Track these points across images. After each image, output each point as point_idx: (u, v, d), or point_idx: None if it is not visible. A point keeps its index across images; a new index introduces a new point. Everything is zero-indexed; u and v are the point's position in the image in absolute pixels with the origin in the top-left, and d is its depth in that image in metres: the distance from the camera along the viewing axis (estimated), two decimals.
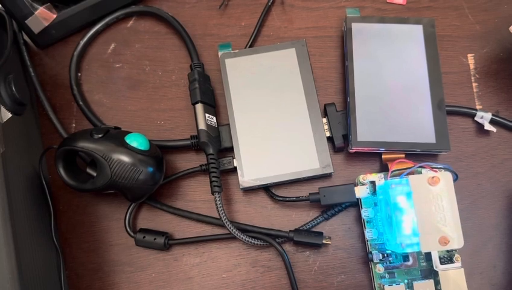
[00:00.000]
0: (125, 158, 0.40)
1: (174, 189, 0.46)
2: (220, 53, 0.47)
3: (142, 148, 0.42)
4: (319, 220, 0.44)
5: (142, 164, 0.41)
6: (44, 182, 0.45)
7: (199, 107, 0.45)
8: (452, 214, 0.35)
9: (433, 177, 0.34)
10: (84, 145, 0.41)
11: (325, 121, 0.45)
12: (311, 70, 0.46)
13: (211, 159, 0.43)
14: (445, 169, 0.39)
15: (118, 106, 0.48)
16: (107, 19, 0.50)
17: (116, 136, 0.42)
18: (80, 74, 0.49)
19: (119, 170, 0.40)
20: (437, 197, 0.35)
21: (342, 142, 0.45)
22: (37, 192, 0.44)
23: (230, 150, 0.45)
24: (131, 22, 0.51)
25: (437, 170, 0.39)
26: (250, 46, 0.49)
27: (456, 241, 0.34)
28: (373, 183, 0.42)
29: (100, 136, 0.41)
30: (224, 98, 0.46)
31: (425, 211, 0.35)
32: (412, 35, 0.46)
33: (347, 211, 0.45)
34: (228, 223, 0.42)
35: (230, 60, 0.47)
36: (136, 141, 0.42)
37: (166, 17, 0.49)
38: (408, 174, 0.40)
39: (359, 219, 0.43)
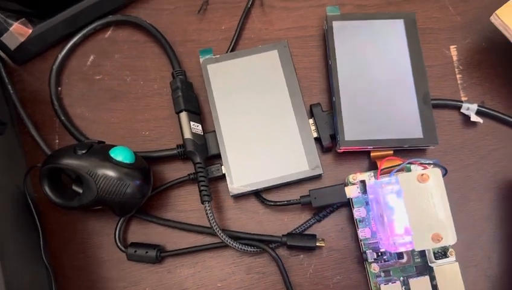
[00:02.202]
0: (110, 173, 0.40)
1: (163, 200, 0.46)
2: (201, 59, 0.46)
3: (127, 161, 0.41)
4: (311, 223, 0.44)
5: (129, 177, 0.40)
6: (30, 201, 0.44)
7: (183, 115, 0.44)
8: (444, 210, 0.35)
9: (422, 175, 0.34)
10: (68, 162, 0.40)
11: (312, 122, 0.45)
12: (294, 71, 0.46)
13: (199, 168, 0.42)
14: (434, 164, 0.39)
15: (101, 118, 0.48)
16: (84, 31, 0.49)
17: (100, 151, 0.41)
18: (60, 88, 0.48)
19: (105, 186, 0.40)
20: (427, 194, 0.35)
21: (329, 142, 0.44)
22: (23, 212, 0.43)
23: (218, 156, 0.45)
24: (109, 32, 0.50)
25: (426, 165, 0.39)
26: (231, 50, 0.48)
27: (449, 238, 0.34)
28: (363, 182, 0.42)
29: (84, 152, 0.41)
30: (208, 104, 0.45)
31: (416, 208, 0.35)
32: (394, 30, 0.46)
33: (339, 211, 0.44)
34: (220, 231, 0.41)
35: (212, 65, 0.46)
36: (121, 154, 0.41)
37: (145, 25, 0.48)
38: (398, 171, 0.40)
39: (351, 219, 0.43)
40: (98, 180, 0.40)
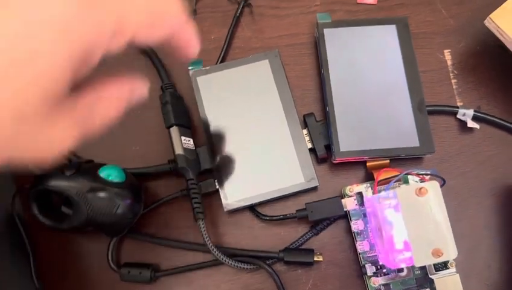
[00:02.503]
0: (100, 194, 0.39)
1: (155, 217, 0.44)
2: (190, 71, 0.45)
3: (117, 180, 0.40)
4: (308, 236, 0.43)
5: (119, 197, 0.39)
6: (19, 223, 0.43)
7: (174, 130, 0.43)
8: (443, 224, 0.34)
9: (420, 189, 0.33)
10: (56, 184, 0.39)
11: (306, 133, 0.44)
12: (286, 80, 0.45)
13: (191, 184, 0.41)
14: (432, 174, 0.38)
15: None
16: None
17: (88, 171, 0.40)
18: None
19: (95, 207, 0.38)
20: (426, 208, 0.34)
21: (324, 153, 0.43)
22: (12, 234, 0.42)
23: (211, 170, 0.44)
24: None
25: (424, 177, 0.38)
26: (221, 61, 0.47)
27: (450, 252, 0.33)
28: (360, 194, 0.41)
29: (72, 172, 0.39)
30: (200, 116, 0.44)
31: (415, 223, 0.34)
32: (386, 36, 0.45)
33: (336, 223, 0.43)
34: (214, 250, 0.40)
35: (202, 77, 0.45)
36: (110, 173, 0.40)
37: None
38: (395, 182, 0.39)
39: (349, 230, 0.42)
40: (88, 202, 0.38)
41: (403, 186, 0.34)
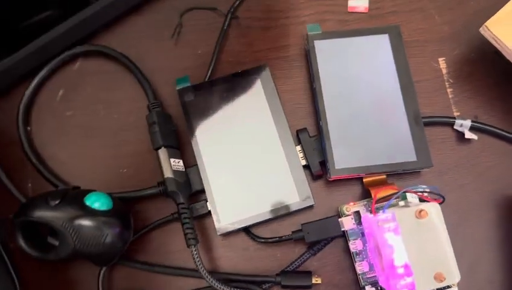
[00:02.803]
0: (86, 224, 0.37)
1: (147, 242, 0.43)
2: (177, 89, 0.44)
3: (104, 208, 0.38)
4: (305, 257, 0.41)
5: (106, 226, 0.37)
6: (4, 254, 0.42)
7: (162, 152, 0.41)
8: (445, 246, 0.33)
9: (420, 211, 0.32)
10: (41, 215, 0.37)
11: (299, 149, 0.42)
12: (278, 96, 0.43)
13: (182, 209, 0.40)
14: (431, 192, 0.37)
15: (75, 158, 0.45)
16: (51, 64, 0.46)
17: (74, 199, 0.38)
18: (29, 128, 0.45)
19: (82, 238, 0.37)
20: (427, 231, 0.32)
21: (319, 169, 0.42)
22: None
23: (202, 191, 0.42)
24: (78, 64, 0.47)
25: (423, 195, 0.37)
26: (210, 76, 0.45)
27: (452, 276, 0.32)
28: (358, 212, 0.40)
29: (57, 202, 0.38)
30: (189, 134, 0.43)
31: (416, 246, 0.32)
32: (379, 46, 0.43)
33: (334, 242, 0.42)
34: (208, 276, 0.38)
35: (190, 94, 0.43)
36: (97, 201, 0.38)
37: (115, 55, 0.46)
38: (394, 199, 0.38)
39: (348, 249, 0.41)
40: (74, 233, 0.37)
41: (402, 209, 0.33)
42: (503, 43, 0.39)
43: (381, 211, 0.37)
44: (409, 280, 0.33)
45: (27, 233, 0.39)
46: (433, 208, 0.32)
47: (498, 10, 0.40)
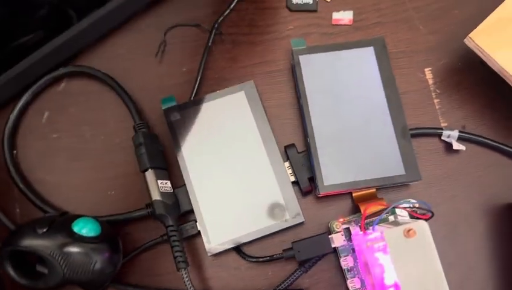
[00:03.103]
0: (75, 251, 0.37)
1: (138, 265, 0.42)
2: (163, 109, 0.43)
3: (92, 234, 0.38)
4: (297, 275, 0.41)
5: (95, 252, 0.37)
6: None
7: (149, 174, 0.41)
8: (434, 265, 0.32)
9: (408, 231, 0.32)
10: (28, 243, 0.37)
11: (288, 165, 0.42)
12: (264, 112, 0.43)
13: (171, 231, 0.39)
14: (420, 208, 0.37)
15: (63, 181, 0.44)
16: (35, 86, 0.45)
17: (62, 226, 0.38)
18: (15, 152, 0.45)
19: (71, 265, 0.36)
20: (416, 249, 0.32)
21: (308, 185, 0.42)
22: None
23: (191, 211, 0.42)
24: (62, 85, 0.46)
25: (412, 211, 0.37)
26: (195, 94, 0.45)
27: None
28: (348, 229, 0.40)
29: (44, 230, 0.37)
30: (176, 155, 0.42)
31: (405, 266, 0.32)
32: (364, 59, 0.43)
33: (326, 258, 0.42)
34: None
35: (176, 114, 0.43)
36: (84, 227, 0.38)
37: (99, 76, 0.45)
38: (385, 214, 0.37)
39: (339, 265, 0.40)
40: (63, 261, 0.36)
41: (391, 229, 0.33)
42: (488, 54, 0.39)
43: (370, 228, 0.37)
44: None
45: (16, 262, 0.39)
46: (421, 227, 0.32)
47: (483, 18, 0.40)
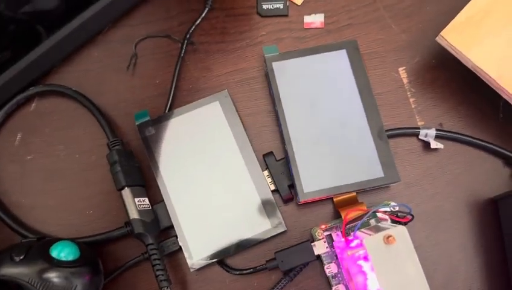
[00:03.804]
0: (54, 277, 0.36)
1: (121, 284, 0.42)
2: (137, 125, 0.43)
3: (71, 258, 0.37)
4: (283, 284, 0.40)
5: (75, 276, 0.36)
6: None
7: (126, 193, 0.40)
8: (415, 269, 0.32)
9: (388, 237, 0.32)
10: (5, 272, 0.36)
11: (267, 174, 0.42)
12: (240, 121, 0.42)
13: (151, 249, 0.39)
14: (399, 211, 0.37)
15: (39, 203, 0.43)
16: (6, 107, 0.44)
17: (40, 252, 0.37)
18: None
19: None
20: (396, 256, 0.32)
21: (288, 193, 0.41)
22: None
23: (171, 227, 0.41)
24: (34, 105, 0.45)
25: (392, 215, 0.36)
26: (169, 107, 0.44)
27: None
28: (330, 235, 0.39)
29: (21, 257, 0.36)
30: (153, 171, 0.42)
31: (387, 273, 0.32)
32: (337, 63, 0.43)
33: (311, 265, 0.41)
34: None
35: (150, 128, 0.42)
36: (62, 251, 0.37)
37: (70, 94, 0.44)
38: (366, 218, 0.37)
39: (324, 272, 0.40)
40: (42, 288, 0.36)
41: (370, 236, 0.32)
42: (460, 52, 0.39)
43: (352, 234, 0.37)
44: None
45: None
46: (400, 233, 0.32)
47: (455, 15, 0.39)
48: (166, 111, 0.44)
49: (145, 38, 0.46)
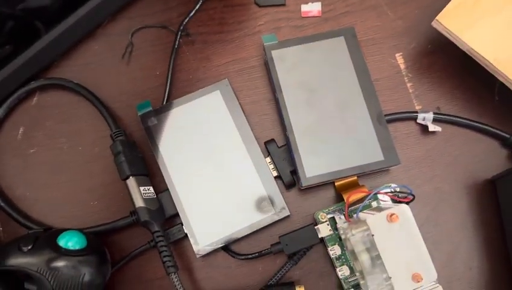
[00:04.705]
0: (62, 266, 0.36)
1: (127, 273, 0.42)
2: (139, 115, 0.43)
3: (78, 247, 0.38)
4: (287, 268, 0.41)
5: (83, 265, 0.37)
6: None
7: (131, 182, 0.41)
8: (418, 247, 0.33)
9: (391, 215, 0.32)
10: (14, 262, 0.37)
11: (269, 161, 0.42)
12: (241, 109, 0.43)
13: (158, 236, 0.39)
14: (401, 192, 0.37)
15: (43, 196, 0.44)
16: (7, 102, 0.45)
17: (47, 242, 0.38)
18: None
19: (59, 280, 0.36)
20: (400, 234, 0.33)
21: (291, 178, 0.42)
22: None
23: (176, 215, 0.42)
24: (35, 99, 0.46)
25: (393, 195, 0.37)
26: (169, 97, 0.45)
27: (429, 275, 0.33)
28: (333, 218, 0.40)
29: (29, 247, 0.37)
30: (156, 159, 0.42)
31: (391, 251, 0.33)
32: (336, 50, 0.43)
33: (315, 248, 0.42)
34: None
35: (153, 119, 0.43)
36: (70, 240, 0.38)
37: (72, 87, 0.45)
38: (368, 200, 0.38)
39: (328, 254, 0.41)
40: (51, 276, 0.36)
41: (374, 215, 0.33)
42: (456, 35, 0.39)
43: (354, 216, 0.37)
44: (387, 284, 0.33)
45: (3, 281, 0.38)
46: (403, 210, 0.33)
47: (449, 1, 0.40)
48: (164, 102, 0.44)
49: (141, 28, 0.47)
